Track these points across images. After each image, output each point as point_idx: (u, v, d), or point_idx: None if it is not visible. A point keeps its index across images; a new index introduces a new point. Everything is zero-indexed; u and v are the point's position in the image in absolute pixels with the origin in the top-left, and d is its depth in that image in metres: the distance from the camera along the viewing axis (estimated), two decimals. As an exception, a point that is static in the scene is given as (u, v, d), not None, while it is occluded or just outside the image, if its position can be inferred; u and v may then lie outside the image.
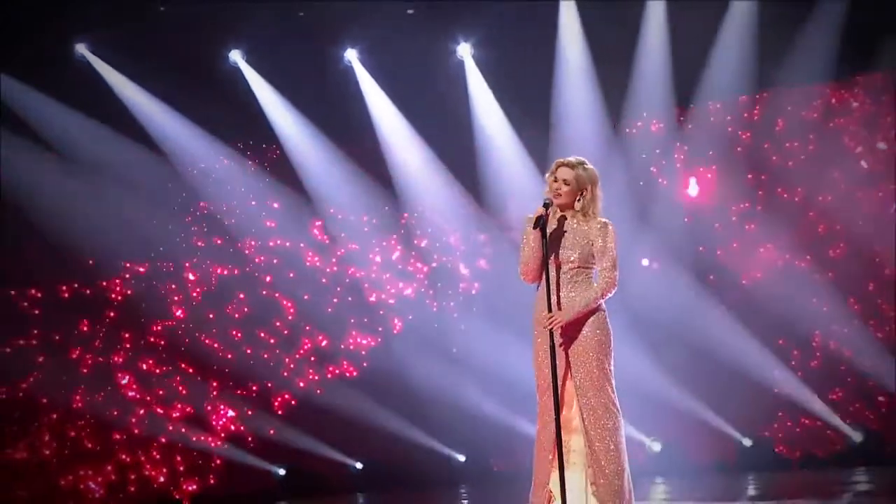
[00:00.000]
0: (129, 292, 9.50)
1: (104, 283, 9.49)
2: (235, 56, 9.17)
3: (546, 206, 5.04)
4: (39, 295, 9.41)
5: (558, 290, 5.14)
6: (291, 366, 9.70)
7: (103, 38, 8.82)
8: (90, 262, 9.27)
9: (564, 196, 5.13)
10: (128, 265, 9.51)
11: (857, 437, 8.94)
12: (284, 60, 9.12)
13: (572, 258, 5.15)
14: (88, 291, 9.48)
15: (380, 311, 9.84)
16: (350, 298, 9.84)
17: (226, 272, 9.72)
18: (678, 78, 9.19)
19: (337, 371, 9.77)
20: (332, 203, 9.74)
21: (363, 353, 9.82)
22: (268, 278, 9.74)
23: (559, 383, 5.04)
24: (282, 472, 9.63)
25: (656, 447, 9.33)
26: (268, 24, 8.79)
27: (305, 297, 9.73)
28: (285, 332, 9.74)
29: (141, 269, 9.55)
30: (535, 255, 5.09)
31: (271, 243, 9.76)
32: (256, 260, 9.77)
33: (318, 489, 9.68)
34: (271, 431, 9.59)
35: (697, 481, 8.80)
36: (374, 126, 9.60)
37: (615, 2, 8.97)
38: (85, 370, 9.37)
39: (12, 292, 9.32)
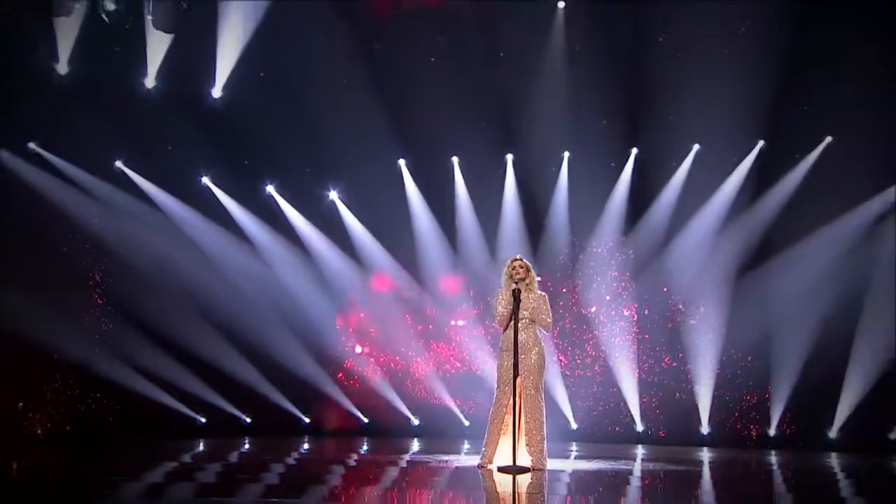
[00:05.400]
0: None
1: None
2: (206, 180, 13.29)
3: (516, 282, 7.87)
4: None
5: (518, 333, 7.78)
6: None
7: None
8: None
9: (523, 277, 7.93)
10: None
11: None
12: (234, 187, 13.43)
13: (526, 315, 7.92)
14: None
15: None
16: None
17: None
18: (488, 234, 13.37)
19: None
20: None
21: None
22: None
23: (513, 383, 7.72)
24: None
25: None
26: (225, 160, 13.15)
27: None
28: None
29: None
30: (509, 313, 7.81)
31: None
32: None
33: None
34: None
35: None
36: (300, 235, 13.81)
37: (434, 182, 13.38)
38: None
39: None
